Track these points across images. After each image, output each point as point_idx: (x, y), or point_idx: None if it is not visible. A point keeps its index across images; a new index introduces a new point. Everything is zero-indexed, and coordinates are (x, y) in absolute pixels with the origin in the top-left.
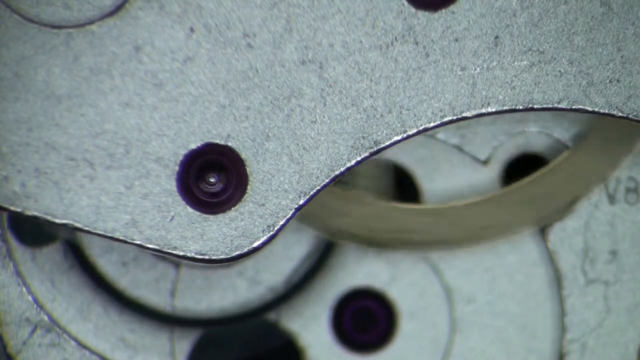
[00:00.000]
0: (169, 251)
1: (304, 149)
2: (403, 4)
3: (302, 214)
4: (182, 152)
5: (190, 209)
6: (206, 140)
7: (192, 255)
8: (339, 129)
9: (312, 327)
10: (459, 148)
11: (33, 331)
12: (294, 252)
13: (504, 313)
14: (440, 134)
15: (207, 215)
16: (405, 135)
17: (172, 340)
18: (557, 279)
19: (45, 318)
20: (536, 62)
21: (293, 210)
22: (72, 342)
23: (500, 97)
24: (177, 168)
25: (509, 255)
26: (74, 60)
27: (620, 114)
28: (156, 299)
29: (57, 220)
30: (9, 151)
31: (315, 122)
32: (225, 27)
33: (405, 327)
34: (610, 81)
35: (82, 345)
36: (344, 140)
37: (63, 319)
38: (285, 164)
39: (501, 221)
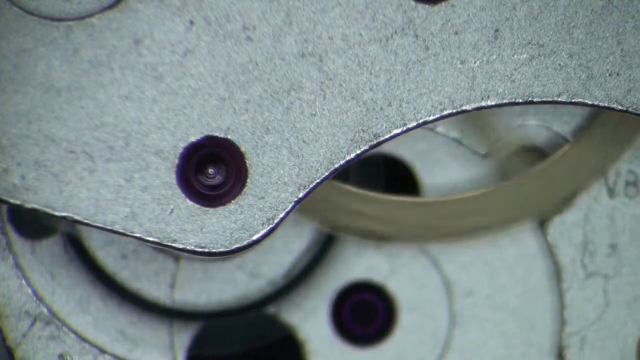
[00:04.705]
0: (169, 244)
1: (304, 142)
2: None
3: (302, 207)
4: (182, 144)
5: (189, 202)
6: (206, 133)
7: (192, 248)
8: (339, 122)
9: (311, 320)
10: (458, 141)
11: (32, 324)
12: (293, 245)
13: (504, 306)
14: (440, 128)
15: (206, 208)
16: (405, 128)
17: (172, 333)
18: (557, 273)
19: (45, 311)
20: (536, 55)
21: (292, 203)
22: (72, 335)
23: (500, 90)
24: (176, 161)
25: (508, 249)
26: (73, 53)
27: (619, 107)
28: (156, 291)
29: (57, 213)
30: (9, 144)
31: (314, 115)
32: (225, 20)
33: (405, 320)
34: (610, 74)
35: (82, 338)
36: (344, 133)
37: (62, 312)
38: (284, 157)
39: (501, 214)
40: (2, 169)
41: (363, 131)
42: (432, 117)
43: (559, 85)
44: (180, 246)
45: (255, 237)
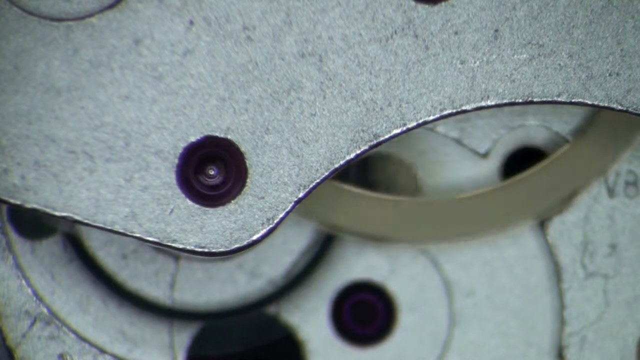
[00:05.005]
0: (169, 244)
1: (304, 142)
2: None
3: (302, 207)
4: (182, 144)
5: (189, 202)
6: (206, 133)
7: (192, 248)
8: (339, 122)
9: (311, 320)
10: (458, 141)
11: (32, 324)
12: (293, 245)
13: (504, 306)
14: (440, 128)
15: (206, 208)
16: (404, 128)
17: (172, 333)
18: (557, 272)
19: (45, 311)
20: (536, 55)
21: (292, 203)
22: (72, 335)
23: (500, 90)
24: (176, 161)
25: (508, 249)
26: (73, 53)
27: (619, 107)
28: (155, 291)
29: (57, 213)
30: (9, 144)
31: (314, 115)
32: (224, 20)
33: (405, 320)
34: (609, 74)
35: (82, 338)
36: (344, 133)
37: (62, 312)
38: (284, 157)
39: (500, 214)
40: (2, 169)
41: (363, 131)
42: (432, 117)
43: (559, 85)
44: (180, 246)
45: (255, 237)
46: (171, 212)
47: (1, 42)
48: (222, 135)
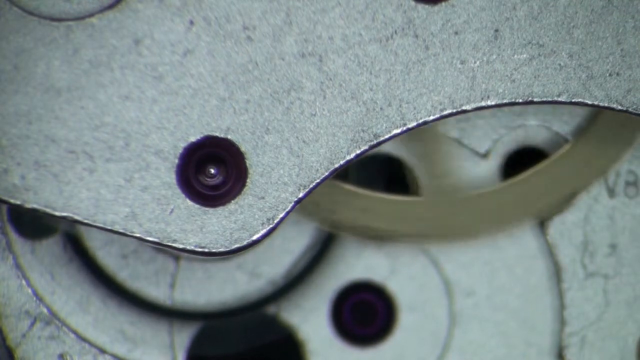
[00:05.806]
0: (169, 244)
1: (304, 142)
2: None
3: (302, 207)
4: (182, 144)
5: (189, 202)
6: (206, 133)
7: (192, 248)
8: (339, 122)
9: (311, 320)
10: (458, 141)
11: (32, 324)
12: (293, 245)
13: (504, 306)
14: (440, 128)
15: (206, 208)
16: (405, 128)
17: (172, 333)
18: (557, 272)
19: (45, 311)
20: (536, 55)
21: (292, 203)
22: (72, 335)
23: (500, 90)
24: (176, 161)
25: (508, 249)
26: (73, 53)
27: (619, 107)
28: (155, 291)
29: (57, 213)
30: (9, 144)
31: (314, 115)
32: (225, 20)
33: (405, 320)
34: (610, 74)
35: (82, 338)
36: (344, 133)
37: (62, 312)
38: (284, 157)
39: (501, 214)
40: (2, 169)
41: (363, 131)
42: (432, 117)
43: (559, 85)
44: (180, 246)
45: (255, 237)
46: (171, 212)
47: (1, 42)
48: (222, 135)
